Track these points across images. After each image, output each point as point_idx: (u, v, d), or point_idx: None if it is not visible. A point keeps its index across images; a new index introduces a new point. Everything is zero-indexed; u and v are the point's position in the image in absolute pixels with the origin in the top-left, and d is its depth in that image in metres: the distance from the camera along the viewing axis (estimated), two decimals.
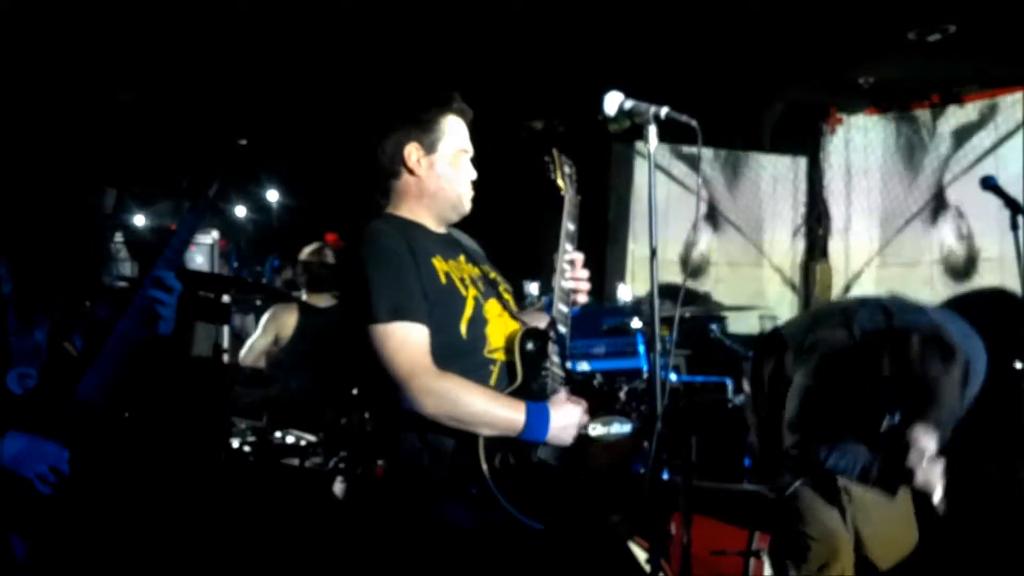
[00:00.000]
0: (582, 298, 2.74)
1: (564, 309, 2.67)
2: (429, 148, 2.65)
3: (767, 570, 3.95)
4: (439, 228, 2.72)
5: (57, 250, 2.95)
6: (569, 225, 2.74)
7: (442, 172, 2.66)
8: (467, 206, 2.72)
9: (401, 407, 2.42)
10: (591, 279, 2.77)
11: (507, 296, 2.73)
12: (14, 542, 2.50)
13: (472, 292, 2.58)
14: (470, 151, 2.73)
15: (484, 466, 2.40)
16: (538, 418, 2.47)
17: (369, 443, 2.84)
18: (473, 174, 2.72)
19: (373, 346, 2.44)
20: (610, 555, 2.76)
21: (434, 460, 2.45)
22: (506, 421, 2.44)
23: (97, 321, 2.79)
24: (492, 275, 2.75)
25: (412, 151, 2.64)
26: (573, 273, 2.70)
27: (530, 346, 2.58)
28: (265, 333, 5.03)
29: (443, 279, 2.54)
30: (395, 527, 2.51)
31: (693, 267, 7.97)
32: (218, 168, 2.85)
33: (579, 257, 2.71)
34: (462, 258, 2.67)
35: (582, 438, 2.62)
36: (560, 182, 2.78)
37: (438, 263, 2.56)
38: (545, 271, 2.75)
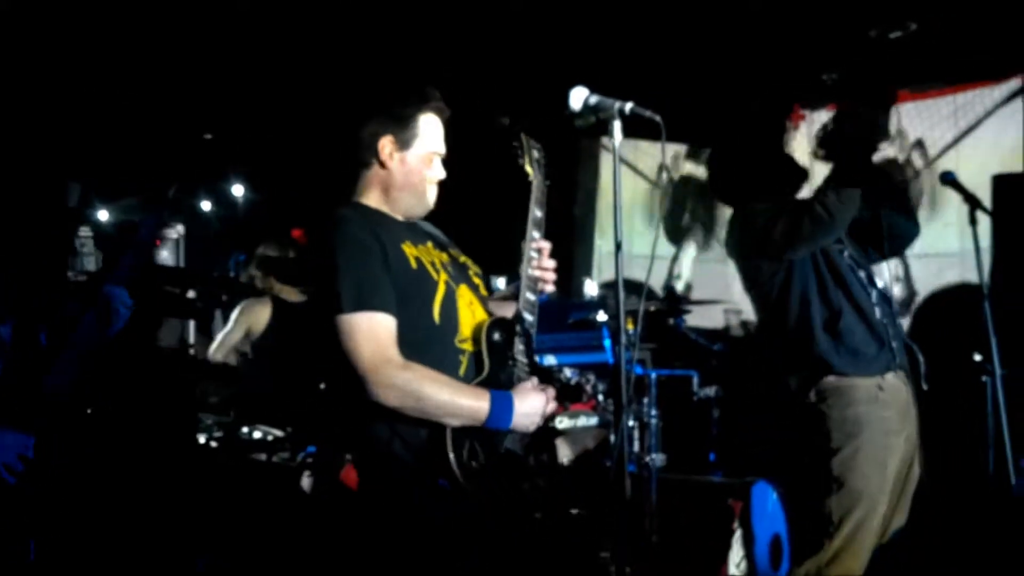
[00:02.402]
0: (549, 287, 2.73)
1: (531, 298, 2.68)
2: (403, 144, 2.66)
3: (734, 558, 4.00)
4: (401, 219, 2.73)
5: (20, 246, 2.94)
6: (536, 212, 2.74)
7: (412, 169, 2.67)
8: (430, 205, 2.73)
9: (366, 399, 2.43)
10: (558, 273, 2.78)
11: (477, 280, 2.74)
12: None
13: (443, 276, 2.59)
14: (442, 152, 2.73)
15: (452, 457, 2.42)
16: (502, 406, 2.49)
17: (337, 435, 2.84)
18: (442, 174, 2.73)
19: (338, 337, 2.44)
20: (576, 546, 2.78)
21: (404, 451, 2.47)
22: (470, 410, 2.46)
23: (61, 316, 2.79)
24: (462, 259, 2.77)
25: (386, 144, 2.66)
26: (539, 261, 2.70)
27: (497, 336, 2.60)
28: (236, 327, 4.99)
29: (413, 264, 2.56)
30: (367, 518, 2.52)
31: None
32: (177, 170, 2.87)
33: (546, 245, 2.72)
34: (430, 244, 2.69)
35: (549, 429, 2.64)
36: (528, 168, 2.78)
37: (408, 248, 2.58)
38: (513, 265, 2.76)
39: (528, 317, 2.66)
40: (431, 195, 2.72)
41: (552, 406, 2.62)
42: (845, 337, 3.51)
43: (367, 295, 2.46)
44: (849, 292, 3.54)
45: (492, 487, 2.48)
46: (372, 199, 2.69)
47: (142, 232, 2.80)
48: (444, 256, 2.70)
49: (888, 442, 3.50)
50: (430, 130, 2.71)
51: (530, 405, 2.55)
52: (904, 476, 3.60)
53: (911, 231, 3.75)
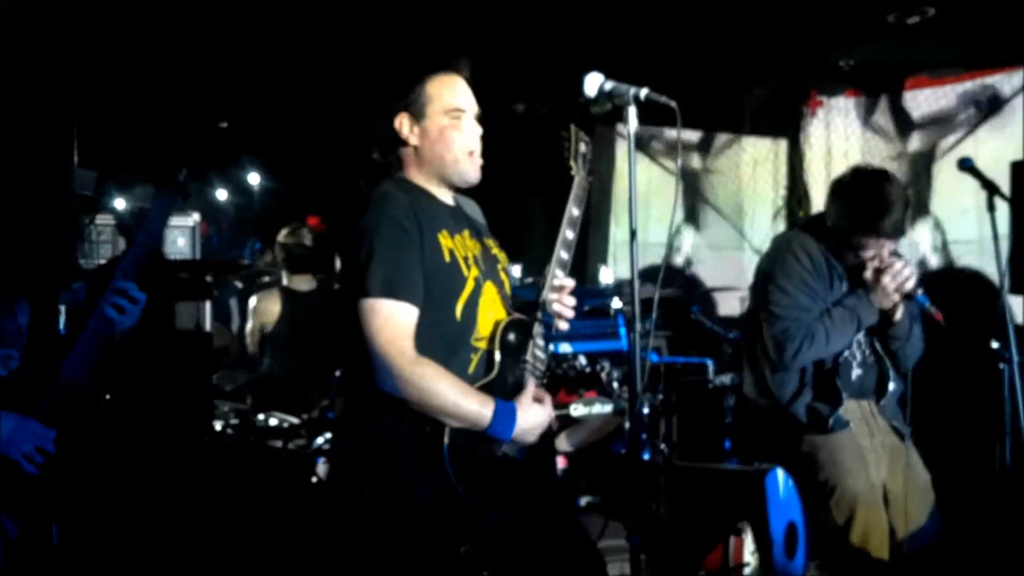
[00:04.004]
0: (563, 324, 2.71)
1: (553, 296, 2.67)
2: (418, 116, 2.62)
3: (748, 546, 3.99)
4: (447, 197, 2.69)
5: (31, 234, 2.95)
6: (573, 210, 2.68)
7: (435, 138, 2.61)
8: (472, 168, 2.65)
9: (376, 387, 2.43)
10: (572, 260, 2.76)
11: (504, 276, 2.71)
12: (4, 521, 2.51)
13: (473, 272, 2.56)
14: (468, 108, 2.66)
15: (447, 455, 2.41)
16: (505, 417, 2.47)
17: (345, 423, 2.84)
18: (476, 131, 2.66)
19: (359, 318, 2.43)
20: (574, 548, 2.77)
21: (405, 443, 2.46)
22: (473, 415, 2.45)
23: (77, 304, 2.80)
24: (494, 250, 2.73)
25: (403, 122, 2.62)
26: (560, 297, 2.67)
27: (511, 338, 2.58)
28: (252, 322, 5.06)
29: (447, 256, 2.52)
30: (363, 508, 2.53)
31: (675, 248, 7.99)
32: (186, 153, 2.86)
33: (569, 283, 2.69)
34: (466, 232, 2.64)
35: (562, 418, 2.64)
36: (572, 162, 2.71)
37: (444, 239, 2.54)
38: (529, 255, 2.75)
39: (548, 318, 2.65)
40: (466, 158, 2.64)
41: (554, 421, 2.61)
42: (797, 405, 3.69)
43: (396, 283, 2.44)
44: (822, 364, 3.67)
45: (486, 487, 2.48)
46: (413, 175, 2.65)
47: (152, 217, 2.80)
48: (478, 247, 2.66)
49: (860, 441, 3.59)
50: (443, 91, 2.64)
51: (532, 420, 2.53)
52: (904, 481, 3.64)
53: (914, 353, 3.82)
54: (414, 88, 2.64)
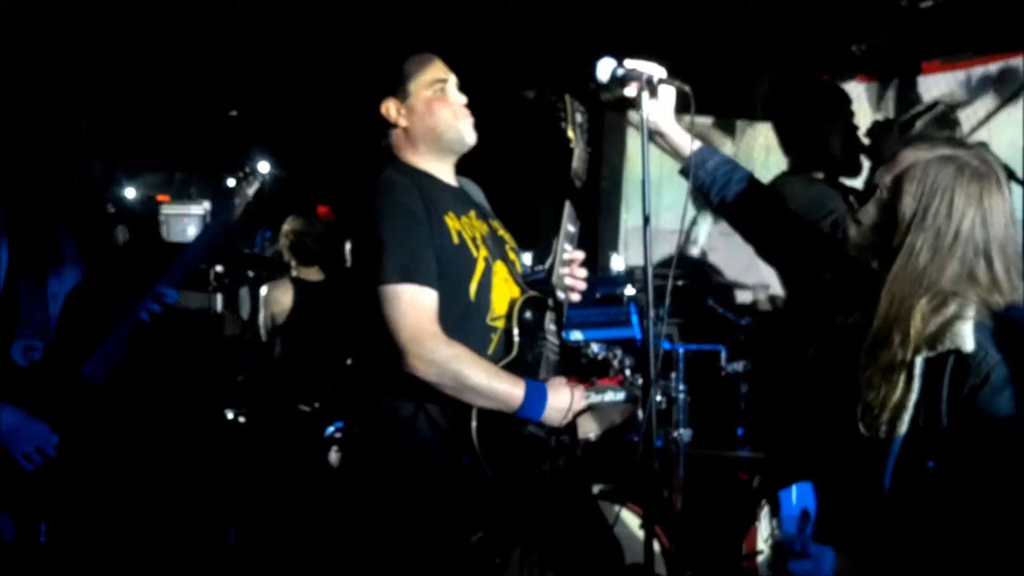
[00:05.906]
0: (575, 296, 2.71)
1: (564, 271, 2.68)
2: (403, 96, 2.63)
3: (762, 533, 3.98)
4: (449, 176, 2.69)
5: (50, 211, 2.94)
6: (576, 182, 2.69)
7: (423, 112, 2.63)
8: (467, 129, 2.66)
9: (401, 371, 2.42)
10: (583, 249, 2.75)
11: (513, 256, 2.72)
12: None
13: (483, 253, 2.57)
14: (448, 78, 2.68)
15: (475, 434, 2.41)
16: (535, 399, 2.48)
17: (361, 410, 2.84)
18: (461, 99, 2.67)
19: (380, 306, 2.41)
20: (591, 533, 2.76)
21: (427, 427, 2.46)
22: (505, 397, 2.45)
23: (105, 304, 2.79)
24: (500, 232, 2.74)
25: (389, 106, 2.64)
26: (571, 271, 2.68)
27: (528, 315, 2.58)
28: (264, 313, 5.07)
29: (455, 238, 2.52)
30: (386, 493, 2.52)
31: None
32: (257, 167, 2.85)
33: (578, 256, 2.68)
34: (472, 213, 2.65)
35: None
36: (570, 133, 2.70)
37: (451, 221, 2.54)
38: (540, 241, 2.74)
39: (560, 295, 2.64)
40: (458, 125, 2.65)
41: (581, 404, 2.60)
42: None
43: (413, 267, 2.43)
44: None
45: (512, 467, 2.47)
46: (409, 158, 2.66)
47: (209, 227, 2.80)
48: (484, 228, 2.67)
49: None
50: (418, 67, 2.66)
51: (562, 401, 2.54)
52: None
53: None
54: (392, 72, 2.65)
